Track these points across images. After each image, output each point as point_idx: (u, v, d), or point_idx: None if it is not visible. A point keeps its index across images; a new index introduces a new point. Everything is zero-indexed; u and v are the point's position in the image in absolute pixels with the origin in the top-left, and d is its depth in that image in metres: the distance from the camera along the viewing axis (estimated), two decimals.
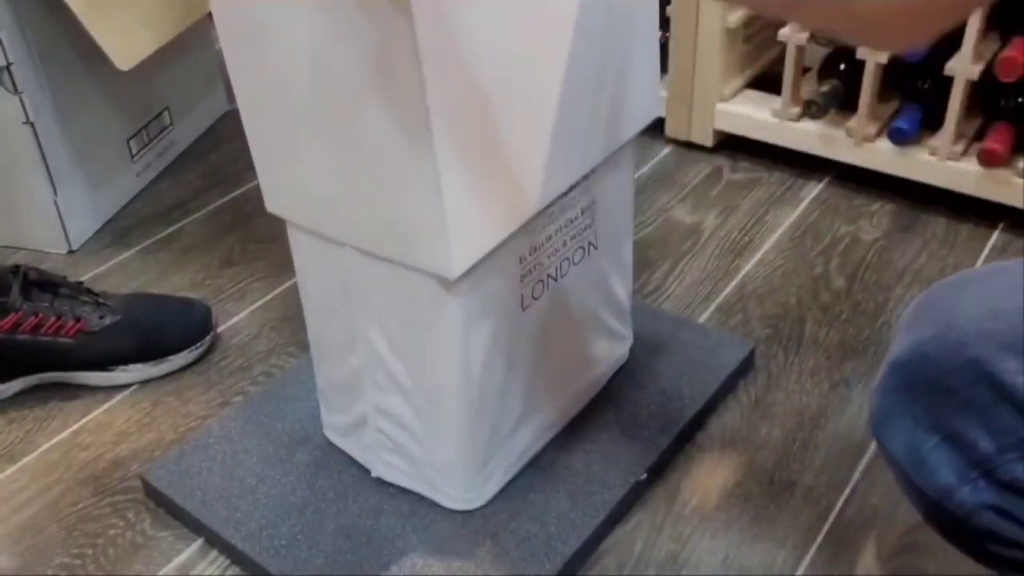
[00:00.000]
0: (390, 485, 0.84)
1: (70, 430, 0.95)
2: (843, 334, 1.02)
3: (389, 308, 0.73)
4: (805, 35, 1.18)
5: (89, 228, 1.24)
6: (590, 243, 0.82)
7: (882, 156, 1.20)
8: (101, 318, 0.98)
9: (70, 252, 1.22)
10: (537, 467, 0.85)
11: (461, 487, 0.80)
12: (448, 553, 0.78)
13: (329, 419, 0.87)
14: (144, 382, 1.00)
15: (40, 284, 0.97)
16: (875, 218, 1.20)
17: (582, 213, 0.79)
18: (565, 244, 0.79)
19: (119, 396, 0.99)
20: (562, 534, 0.79)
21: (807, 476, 0.87)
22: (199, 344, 1.03)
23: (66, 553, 0.83)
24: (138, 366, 1.00)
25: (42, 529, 0.85)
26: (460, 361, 0.73)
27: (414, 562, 0.78)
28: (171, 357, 1.01)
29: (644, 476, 0.84)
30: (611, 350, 0.92)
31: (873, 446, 0.88)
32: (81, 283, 1.02)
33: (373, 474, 0.84)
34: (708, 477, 0.87)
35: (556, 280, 0.79)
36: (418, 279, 0.69)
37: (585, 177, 0.77)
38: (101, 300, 1.00)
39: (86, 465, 0.91)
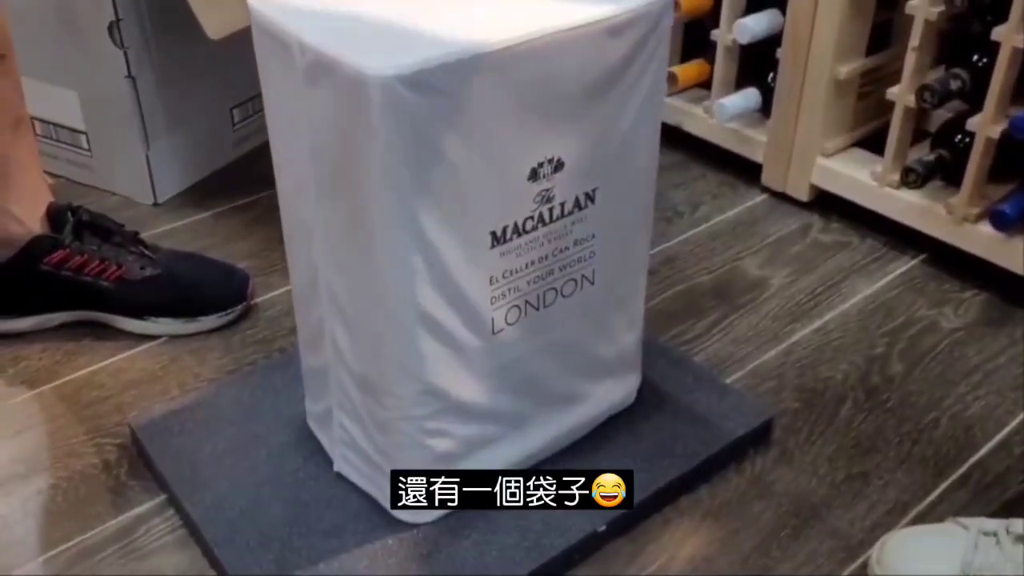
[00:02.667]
0: (349, 482, 0.83)
1: (90, 368, 1.00)
2: (880, 424, 0.93)
3: (350, 303, 0.72)
4: (912, 96, 1.09)
5: (177, 185, 1.30)
6: (584, 277, 0.78)
7: (981, 239, 1.08)
8: (142, 268, 1.03)
9: (155, 204, 1.28)
10: None
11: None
12: (377, 564, 0.76)
13: (309, 406, 0.87)
14: (173, 337, 1.04)
15: (93, 227, 1.03)
16: (963, 306, 1.09)
17: (575, 244, 0.75)
18: (552, 273, 0.75)
19: (145, 346, 1.03)
20: (499, 569, 0.76)
21: (784, 567, 0.79)
22: (230, 311, 1.05)
23: (45, 481, 0.87)
24: (168, 320, 1.03)
25: (32, 455, 0.89)
26: (413, 372, 0.71)
27: (341, 563, 0.76)
28: (201, 318, 1.04)
29: (603, 528, 0.79)
30: (607, 392, 0.87)
31: (866, 553, 0.79)
32: (136, 233, 1.07)
33: (334, 468, 0.84)
34: (678, 544, 0.81)
35: (537, 309, 0.76)
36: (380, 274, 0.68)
37: (580, 207, 0.73)
38: (147, 252, 1.04)
39: (91, 404, 0.95)
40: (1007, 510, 0.83)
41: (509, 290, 0.73)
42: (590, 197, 0.74)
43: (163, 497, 0.85)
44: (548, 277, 0.75)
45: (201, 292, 1.05)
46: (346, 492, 0.82)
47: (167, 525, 0.83)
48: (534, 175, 0.69)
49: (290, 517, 0.80)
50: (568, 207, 0.73)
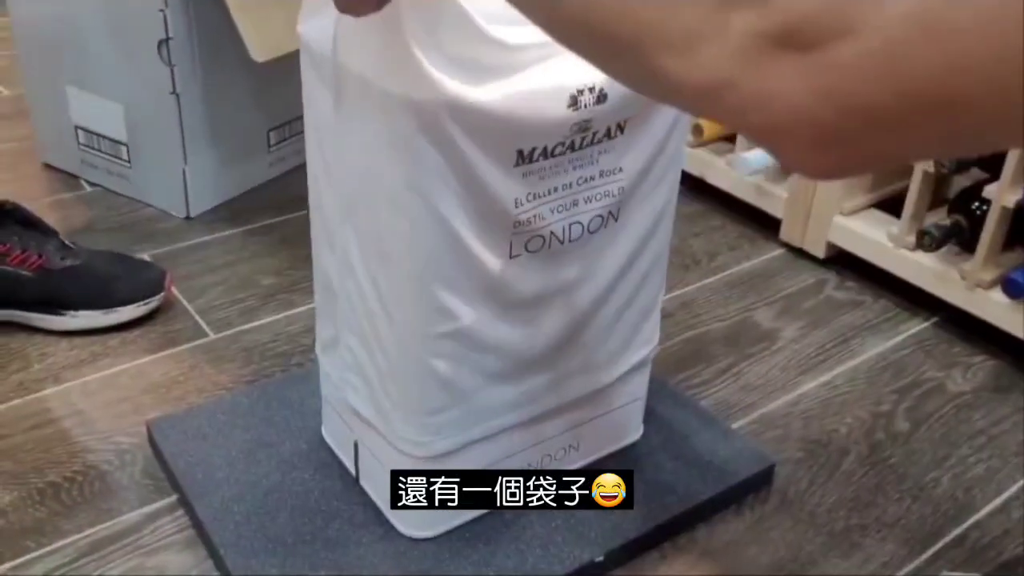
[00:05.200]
0: (356, 494, 0.84)
1: (113, 370, 1.03)
2: (882, 479, 0.94)
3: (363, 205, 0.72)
4: (932, 160, 1.11)
5: (210, 201, 1.34)
6: (611, 213, 0.76)
7: (993, 306, 1.10)
8: (63, 259, 1.06)
9: (187, 218, 1.32)
10: (502, 518, 0.83)
11: (412, 431, 0.76)
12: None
13: (319, 331, 0.85)
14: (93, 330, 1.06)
15: (15, 217, 1.06)
16: (971, 371, 1.10)
17: (600, 175, 0.74)
18: (576, 204, 0.74)
19: (169, 351, 1.06)
20: None
21: None
22: (148, 301, 1.09)
23: (60, 474, 0.89)
24: (86, 313, 1.06)
25: (50, 448, 0.92)
26: (425, 280, 0.70)
27: (342, 572, 0.78)
28: (119, 308, 1.07)
29: (600, 559, 0.81)
30: (622, 354, 0.85)
31: None
32: (55, 230, 1.09)
33: (322, 395, 0.86)
34: None
35: (562, 243, 0.74)
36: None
37: (610, 136, 0.72)
38: (68, 244, 1.07)
39: (112, 403, 0.98)
40: (1002, 572, 0.84)
41: (534, 217, 0.71)
42: (620, 127, 0.72)
43: (174, 497, 0.87)
44: (573, 208, 0.74)
45: (119, 283, 1.08)
46: (353, 505, 0.84)
47: (176, 524, 0.85)
48: (574, 102, 0.67)
49: (296, 524, 0.82)
50: (599, 135, 0.71)
